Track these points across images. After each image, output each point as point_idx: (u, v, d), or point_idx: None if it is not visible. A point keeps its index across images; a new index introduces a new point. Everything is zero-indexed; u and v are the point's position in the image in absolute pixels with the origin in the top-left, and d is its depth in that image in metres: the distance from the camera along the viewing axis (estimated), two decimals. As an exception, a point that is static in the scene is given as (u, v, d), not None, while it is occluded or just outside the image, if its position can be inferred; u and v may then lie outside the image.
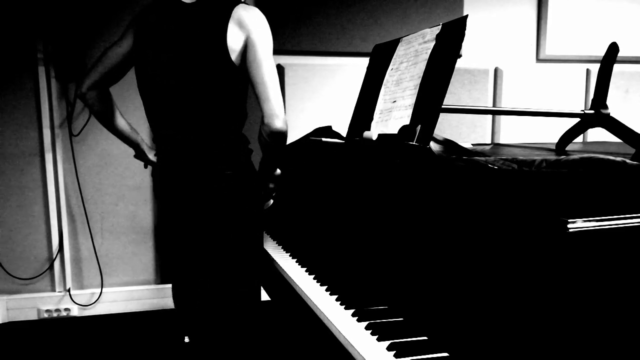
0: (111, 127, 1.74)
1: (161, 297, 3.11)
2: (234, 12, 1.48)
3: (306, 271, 1.37)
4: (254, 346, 1.71)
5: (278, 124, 1.46)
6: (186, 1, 1.55)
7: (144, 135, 1.88)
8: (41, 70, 2.83)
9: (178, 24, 1.52)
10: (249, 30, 1.47)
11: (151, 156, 1.80)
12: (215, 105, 1.53)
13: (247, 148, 1.63)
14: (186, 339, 2.37)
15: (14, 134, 2.86)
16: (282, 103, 1.49)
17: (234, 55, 1.48)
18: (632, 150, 1.33)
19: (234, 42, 1.47)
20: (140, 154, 1.82)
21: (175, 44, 1.52)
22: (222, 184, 1.54)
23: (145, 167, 1.91)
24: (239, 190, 1.57)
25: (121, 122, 1.75)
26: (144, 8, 1.62)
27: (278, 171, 1.72)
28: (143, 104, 1.66)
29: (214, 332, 1.68)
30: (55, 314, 2.99)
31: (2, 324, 2.93)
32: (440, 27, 1.36)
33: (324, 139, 1.66)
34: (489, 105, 3.32)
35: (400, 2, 3.16)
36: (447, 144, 1.29)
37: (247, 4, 1.56)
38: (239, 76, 1.52)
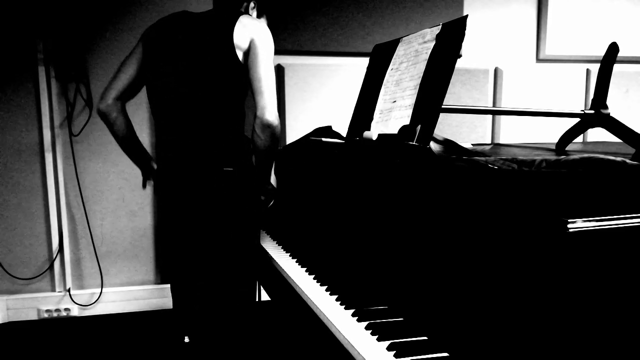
0: (131, 143, 1.78)
1: (161, 297, 3.11)
2: (240, 18, 1.57)
3: (306, 271, 1.36)
4: (251, 342, 1.73)
5: (269, 116, 1.54)
6: (193, 12, 1.63)
7: (143, 142, 1.90)
8: (41, 70, 2.83)
9: (187, 32, 1.59)
10: (253, 33, 1.56)
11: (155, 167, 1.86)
12: (219, 106, 1.58)
13: (247, 148, 1.66)
14: (186, 339, 2.37)
15: (14, 133, 2.87)
16: (275, 100, 1.57)
17: (240, 53, 1.55)
18: (632, 150, 1.33)
19: (240, 40, 1.55)
20: (149, 172, 1.88)
21: (185, 50, 1.58)
22: (222, 180, 1.58)
23: (144, 187, 1.95)
24: (239, 187, 1.61)
25: (137, 140, 1.81)
26: (153, 24, 1.68)
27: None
28: (153, 114, 1.71)
29: (211, 327, 1.69)
30: (55, 314, 2.98)
31: (2, 324, 2.93)
32: (440, 27, 1.36)
33: (324, 139, 1.66)
34: (489, 105, 3.32)
35: (400, 2, 3.15)
36: (447, 144, 1.29)
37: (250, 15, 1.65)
38: (243, 76, 1.57)
